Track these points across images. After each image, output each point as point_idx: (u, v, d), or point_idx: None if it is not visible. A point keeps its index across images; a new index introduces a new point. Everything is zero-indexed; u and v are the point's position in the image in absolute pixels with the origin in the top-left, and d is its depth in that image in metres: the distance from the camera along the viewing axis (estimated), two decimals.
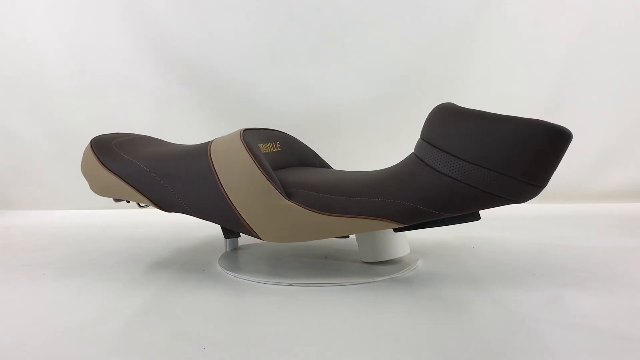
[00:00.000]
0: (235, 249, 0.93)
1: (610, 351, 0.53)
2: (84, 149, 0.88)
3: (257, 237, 0.74)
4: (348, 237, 0.81)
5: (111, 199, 0.86)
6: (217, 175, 0.74)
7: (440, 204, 0.69)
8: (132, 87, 1.45)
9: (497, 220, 1.20)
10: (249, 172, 0.72)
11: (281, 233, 0.73)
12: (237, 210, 0.73)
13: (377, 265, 0.81)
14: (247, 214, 0.73)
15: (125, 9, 1.41)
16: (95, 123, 1.44)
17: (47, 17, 1.42)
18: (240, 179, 0.73)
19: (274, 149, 0.89)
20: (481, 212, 0.83)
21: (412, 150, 0.80)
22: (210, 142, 0.80)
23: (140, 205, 0.86)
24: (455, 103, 0.80)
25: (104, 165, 0.82)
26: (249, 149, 0.74)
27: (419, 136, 0.79)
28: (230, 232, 0.80)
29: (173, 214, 0.82)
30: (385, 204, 0.70)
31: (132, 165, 0.80)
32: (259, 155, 0.74)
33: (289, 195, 0.73)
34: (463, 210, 0.70)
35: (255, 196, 0.72)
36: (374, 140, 1.45)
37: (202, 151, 0.78)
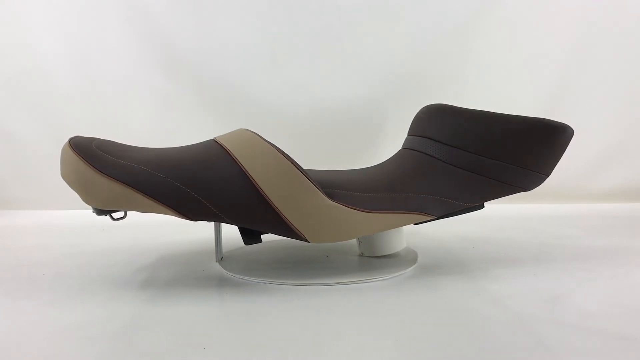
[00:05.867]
0: (237, 249, 0.93)
1: (610, 351, 0.53)
2: (61, 153, 0.75)
3: (304, 239, 0.72)
4: None
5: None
6: (254, 180, 0.70)
7: (463, 195, 0.77)
8: (132, 87, 1.45)
9: (497, 220, 1.20)
10: (290, 174, 0.71)
11: (329, 234, 0.73)
12: (282, 214, 0.70)
13: (377, 265, 0.82)
14: (295, 218, 0.70)
15: (126, 9, 1.41)
16: (95, 123, 1.44)
17: (48, 17, 1.42)
18: (282, 182, 0.70)
19: None
20: (482, 212, 0.85)
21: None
22: (219, 142, 0.75)
23: (113, 218, 0.77)
24: (452, 103, 0.84)
25: (101, 172, 0.70)
26: (281, 151, 0.72)
27: None
28: (251, 239, 0.74)
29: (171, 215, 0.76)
30: (419, 199, 0.75)
31: (140, 172, 0.70)
32: (290, 157, 0.72)
33: (329, 196, 0.72)
34: (483, 200, 0.79)
35: (301, 199, 0.70)
36: (373, 140, 1.45)
37: (220, 152, 0.73)
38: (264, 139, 0.74)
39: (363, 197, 0.74)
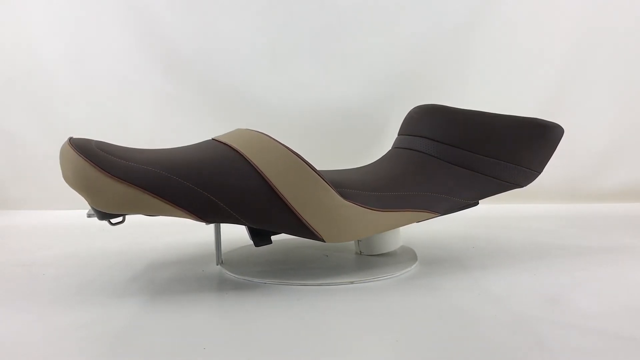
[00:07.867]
0: (236, 249, 0.93)
1: (610, 351, 0.53)
2: (61, 155, 0.70)
3: (321, 239, 0.72)
4: None
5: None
6: (269, 180, 0.69)
7: (463, 192, 0.79)
8: (132, 86, 1.45)
9: (497, 220, 1.20)
10: (304, 173, 0.70)
11: (345, 233, 0.73)
12: (299, 214, 0.70)
13: (377, 265, 0.82)
14: (312, 218, 0.70)
15: (126, 9, 1.41)
16: (95, 123, 1.44)
17: (48, 17, 1.42)
18: (296, 181, 0.70)
19: None
20: (481, 212, 0.86)
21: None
22: (228, 144, 0.73)
23: (111, 223, 0.73)
24: (452, 103, 0.84)
25: (109, 174, 0.66)
26: (292, 151, 0.71)
27: None
28: (262, 240, 0.74)
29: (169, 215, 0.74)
30: (424, 197, 0.77)
31: (150, 173, 0.67)
32: (302, 156, 0.72)
33: (341, 195, 0.73)
34: (481, 196, 0.81)
35: (317, 198, 0.70)
36: (374, 140, 1.45)
37: (231, 153, 0.72)
38: (274, 139, 0.73)
39: (373, 197, 0.75)
